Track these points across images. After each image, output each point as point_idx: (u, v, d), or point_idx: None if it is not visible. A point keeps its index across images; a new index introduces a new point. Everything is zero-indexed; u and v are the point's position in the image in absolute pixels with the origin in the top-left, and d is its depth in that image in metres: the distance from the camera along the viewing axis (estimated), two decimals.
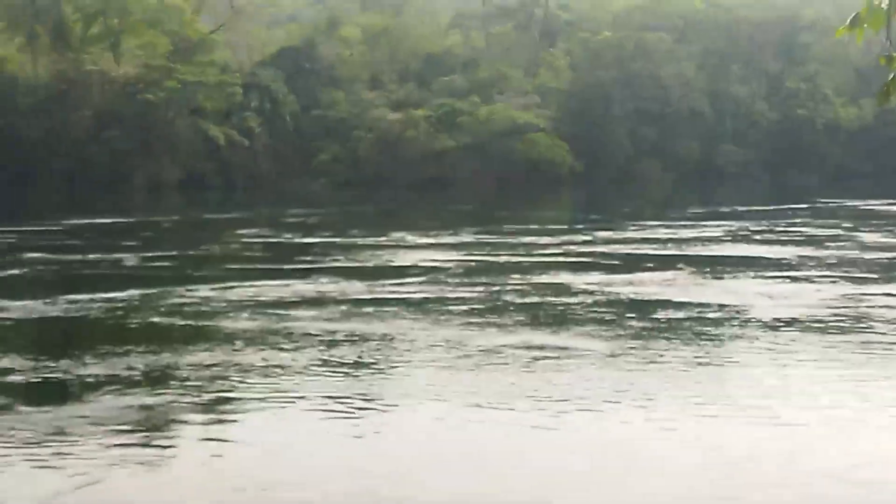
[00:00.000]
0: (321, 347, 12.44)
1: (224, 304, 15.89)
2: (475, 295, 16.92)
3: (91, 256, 23.59)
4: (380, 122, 74.75)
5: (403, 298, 16.58)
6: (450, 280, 19.00)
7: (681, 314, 15.09)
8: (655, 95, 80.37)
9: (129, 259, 22.87)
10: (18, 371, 11.15)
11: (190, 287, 17.70)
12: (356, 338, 13.03)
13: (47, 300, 16.31)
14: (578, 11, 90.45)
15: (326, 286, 18.04)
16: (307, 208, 45.10)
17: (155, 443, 8.77)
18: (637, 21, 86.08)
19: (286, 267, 21.67)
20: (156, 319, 14.65)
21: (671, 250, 24.71)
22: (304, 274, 19.98)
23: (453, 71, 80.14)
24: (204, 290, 17.27)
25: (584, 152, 75.52)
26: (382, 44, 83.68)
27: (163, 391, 10.32)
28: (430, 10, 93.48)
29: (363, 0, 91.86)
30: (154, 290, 17.26)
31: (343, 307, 15.58)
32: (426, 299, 16.52)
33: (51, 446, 8.50)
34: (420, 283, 18.68)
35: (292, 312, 15.09)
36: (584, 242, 26.99)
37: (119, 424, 9.12)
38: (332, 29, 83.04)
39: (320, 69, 79.61)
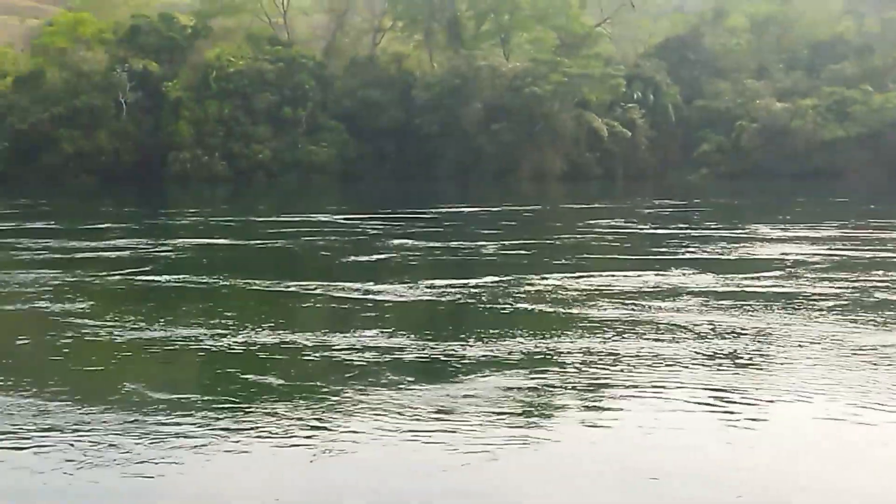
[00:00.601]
0: (689, 340, 12.37)
1: (579, 293, 16.14)
2: (840, 291, 16.27)
3: (452, 243, 24.79)
4: (765, 111, 73.12)
5: (762, 292, 16.20)
6: (810, 275, 18.35)
7: None
8: None
9: (488, 246, 23.80)
10: (406, 350, 11.83)
11: (544, 275, 18.18)
12: (723, 331, 12.88)
13: (411, 284, 17.26)
14: None
15: (680, 278, 18.01)
16: (676, 199, 44.86)
17: (535, 425, 9.05)
18: None
19: (639, 257, 21.90)
20: (520, 305, 15.12)
21: None
22: (656, 265, 20.02)
23: (844, 58, 76.94)
24: (557, 279, 17.70)
25: None
26: (770, 32, 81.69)
27: (541, 375, 10.62)
28: None
29: None
30: (509, 277, 17.87)
31: (700, 300, 15.44)
32: (787, 294, 16.02)
33: (438, 424, 8.99)
34: (778, 277, 18.19)
35: (650, 303, 15.11)
36: None
37: (501, 405, 9.50)
38: (718, 18, 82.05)
39: (705, 59, 78.91)
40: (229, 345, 12.27)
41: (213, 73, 70.66)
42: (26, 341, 12.83)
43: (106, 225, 31.46)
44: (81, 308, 15.05)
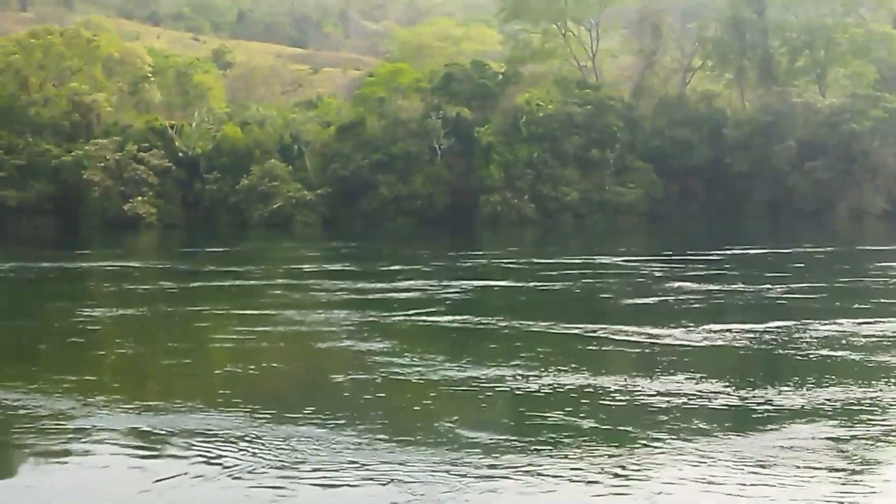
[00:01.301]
0: None
1: (876, 339, 15.65)
2: None
3: (733, 286, 24.19)
4: None
5: None
6: None
7: None
8: None
9: (770, 290, 22.97)
10: (713, 396, 11.72)
11: (832, 320, 17.59)
12: None
13: (690, 328, 17.00)
14: None
15: None
16: None
17: (857, 479, 8.74)
18: None
19: None
20: (820, 352, 14.67)
21: None
22: None
23: None
24: (846, 324, 17.10)
25: None
26: None
27: (859, 425, 10.32)
28: None
29: None
30: (794, 322, 17.37)
31: None
32: None
33: (754, 475, 8.83)
34: None
35: None
36: None
37: (819, 457, 9.28)
38: None
39: None
40: (536, 386, 12.49)
41: (523, 118, 72.21)
42: (341, 378, 13.45)
43: (399, 267, 32.71)
44: (382, 347, 15.76)
